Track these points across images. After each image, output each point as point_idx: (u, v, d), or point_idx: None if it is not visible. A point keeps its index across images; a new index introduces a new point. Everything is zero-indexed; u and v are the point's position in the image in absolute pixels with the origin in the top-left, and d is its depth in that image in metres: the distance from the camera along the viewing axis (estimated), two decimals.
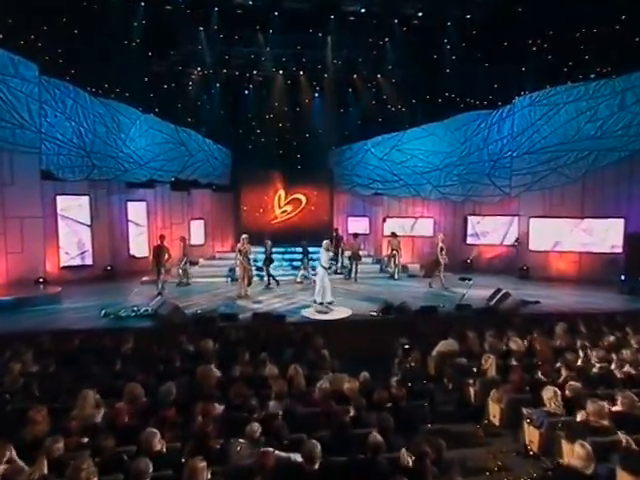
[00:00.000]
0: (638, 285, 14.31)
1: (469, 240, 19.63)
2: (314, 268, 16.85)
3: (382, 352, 9.34)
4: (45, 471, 4.59)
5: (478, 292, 13.72)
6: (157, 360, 8.03)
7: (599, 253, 16.85)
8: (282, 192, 21.16)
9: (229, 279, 16.64)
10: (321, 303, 12.66)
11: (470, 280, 13.90)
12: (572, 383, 6.48)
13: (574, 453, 4.99)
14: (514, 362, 8.03)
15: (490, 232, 19.46)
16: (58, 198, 16.33)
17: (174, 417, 5.96)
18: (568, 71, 16.73)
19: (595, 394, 6.45)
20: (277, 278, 16.37)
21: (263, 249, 16.34)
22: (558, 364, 7.80)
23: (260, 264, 16.34)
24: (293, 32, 18.53)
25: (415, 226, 20.88)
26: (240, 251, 14.53)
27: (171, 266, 16.02)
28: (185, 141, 20.16)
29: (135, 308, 12.02)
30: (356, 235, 18.13)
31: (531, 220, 17.86)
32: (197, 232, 20.59)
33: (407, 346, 8.87)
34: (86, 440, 5.31)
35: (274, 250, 17.28)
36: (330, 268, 13.93)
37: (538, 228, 17.69)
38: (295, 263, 17.90)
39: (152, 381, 7.03)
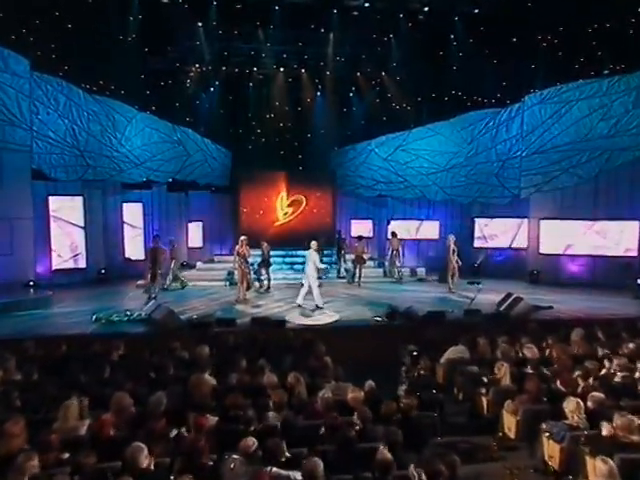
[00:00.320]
0: None
1: (476, 243, 19.32)
2: (320, 271, 16.81)
3: (387, 359, 9.09)
4: None
5: (487, 297, 13.45)
6: (149, 367, 7.68)
7: (613, 256, 16.49)
8: (284, 194, 20.99)
9: (227, 283, 16.38)
10: (320, 307, 12.83)
11: (479, 284, 13.55)
12: (595, 394, 6.10)
13: (596, 470, 4.64)
14: (529, 370, 7.65)
15: (498, 235, 19.19)
16: (50, 199, 16.09)
17: (164, 429, 5.59)
18: (580, 67, 16.46)
19: (619, 405, 6.07)
20: (271, 283, 16.06)
21: (260, 252, 16.02)
22: (576, 373, 7.41)
23: (255, 267, 16.01)
24: (294, 28, 18.42)
25: (420, 229, 20.71)
26: (239, 254, 14.28)
27: (166, 269, 15.69)
28: (183, 141, 19.89)
29: (128, 312, 11.78)
30: (360, 238, 17.79)
31: (542, 222, 17.52)
32: (195, 235, 20.47)
33: (415, 353, 8.47)
34: (67, 456, 4.94)
35: (275, 253, 17.17)
36: (320, 271, 14.11)
37: (549, 231, 17.35)
38: (297, 267, 17.62)
39: (142, 390, 6.67)
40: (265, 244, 16.07)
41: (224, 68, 20.06)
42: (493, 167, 18.76)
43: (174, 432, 5.47)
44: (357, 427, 5.78)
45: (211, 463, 4.94)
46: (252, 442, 4.94)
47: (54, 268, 16.23)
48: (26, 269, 14.81)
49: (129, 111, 17.91)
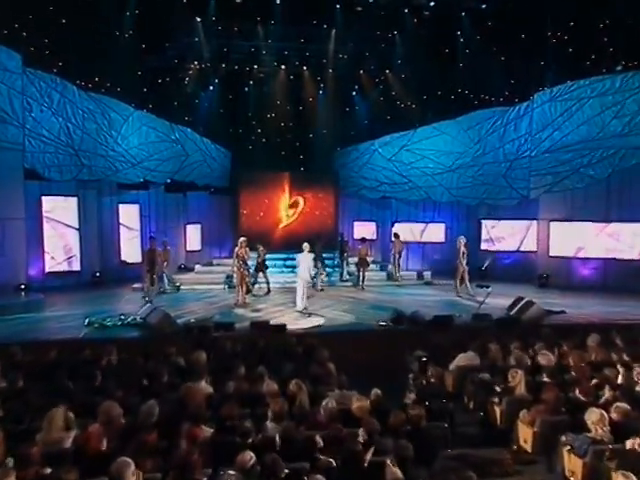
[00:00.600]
0: None
1: (483, 246, 19.03)
2: (341, 274, 17.30)
3: (393, 366, 8.80)
4: None
5: (495, 301, 13.23)
6: (142, 374, 7.39)
7: (626, 260, 16.18)
8: (286, 196, 20.92)
9: (226, 286, 16.16)
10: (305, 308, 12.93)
11: (488, 288, 13.27)
12: (619, 404, 5.76)
13: None
14: (545, 379, 7.31)
15: (506, 237, 18.92)
16: (44, 199, 15.87)
17: (155, 442, 5.27)
18: (591, 64, 16.19)
19: None
20: (270, 285, 15.82)
21: (255, 254, 15.73)
22: (594, 381, 7.09)
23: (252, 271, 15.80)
24: (296, 24, 18.31)
25: (425, 231, 20.48)
26: (238, 256, 14.07)
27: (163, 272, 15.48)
28: (181, 140, 19.71)
29: (122, 316, 11.55)
30: (363, 240, 17.60)
31: (551, 224, 17.23)
32: (193, 237, 20.26)
33: (424, 359, 8.15)
34: (48, 471, 4.61)
35: (276, 256, 17.10)
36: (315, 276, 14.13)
37: (559, 233, 17.06)
38: (297, 270, 17.18)
39: (134, 399, 6.38)
40: (261, 247, 15.80)
41: (223, 65, 19.89)
42: (501, 167, 18.50)
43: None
44: (363, 439, 5.48)
45: (205, 479, 4.62)
46: (249, 457, 4.63)
47: (47, 271, 16.00)
48: (17, 271, 14.56)
49: (125, 109, 17.68)
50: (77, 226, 16.62)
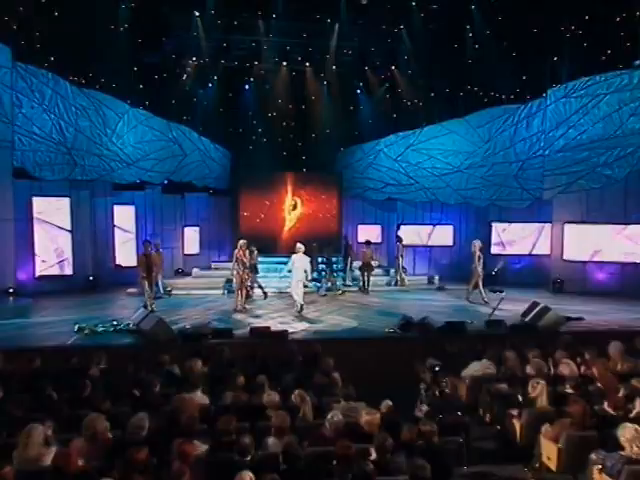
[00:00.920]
0: None
1: (494, 250, 18.68)
2: (344, 279, 17.13)
3: (402, 375, 8.50)
4: None
5: (507, 306, 12.95)
6: (132, 384, 7.10)
7: None
8: (289, 197, 20.85)
9: (226, 291, 15.89)
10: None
11: (502, 292, 12.95)
12: None
13: None
14: (569, 390, 6.93)
15: (517, 241, 18.68)
16: (34, 199, 15.66)
17: (145, 459, 4.89)
18: (607, 59, 15.83)
19: None
20: (265, 289, 15.55)
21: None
22: (622, 392, 6.70)
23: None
24: (298, 18, 18.12)
25: (433, 234, 20.25)
26: (237, 259, 13.83)
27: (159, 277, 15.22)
28: (179, 139, 19.49)
29: (115, 322, 11.32)
30: (368, 243, 17.32)
31: (566, 226, 16.91)
32: (191, 240, 20.05)
33: (437, 368, 7.79)
34: None
35: (277, 260, 16.93)
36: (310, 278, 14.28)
37: (574, 236, 16.74)
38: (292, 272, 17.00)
39: (123, 411, 6.14)
40: (255, 250, 15.54)
41: (223, 62, 19.57)
42: (512, 168, 18.24)
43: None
44: (374, 457, 5.11)
45: None
46: (248, 477, 4.26)
47: (38, 274, 15.79)
48: (6, 275, 14.38)
49: (121, 106, 17.47)
50: (69, 228, 16.41)
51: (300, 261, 13.39)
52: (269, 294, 15.33)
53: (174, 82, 19.16)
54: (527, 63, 16.93)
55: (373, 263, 16.84)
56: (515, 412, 6.90)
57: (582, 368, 7.94)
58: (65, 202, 16.31)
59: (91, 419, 5.30)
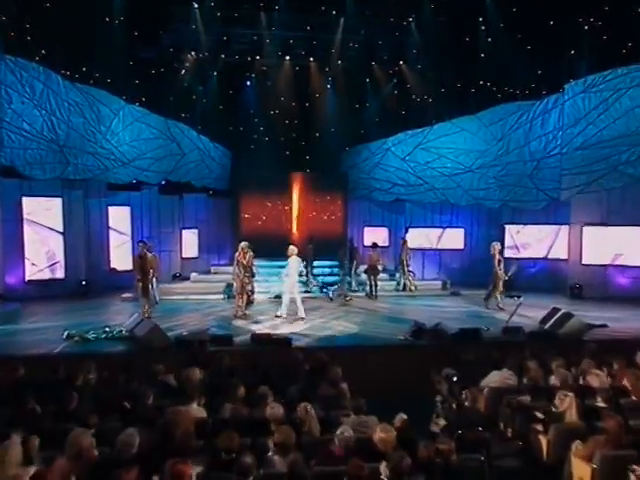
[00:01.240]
0: None
1: (507, 253, 18.28)
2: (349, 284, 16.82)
3: (415, 386, 8.38)
4: None
5: (524, 312, 12.72)
6: (123, 396, 6.80)
7: None
8: (292, 199, 20.87)
9: (226, 296, 15.66)
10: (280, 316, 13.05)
11: (519, 298, 12.65)
12: None
13: None
14: (600, 403, 6.54)
15: (532, 244, 18.48)
16: (24, 200, 15.56)
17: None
18: (628, 51, 15.53)
19: None
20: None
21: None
22: None
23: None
24: (302, 10, 18.07)
25: (442, 237, 20.18)
26: (238, 262, 13.66)
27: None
28: (177, 138, 19.30)
29: (107, 329, 11.10)
30: (375, 245, 17.14)
31: (585, 229, 16.65)
32: (190, 243, 20.02)
33: (455, 378, 7.44)
34: None
35: (280, 264, 16.17)
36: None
37: (593, 238, 16.47)
38: (303, 279, 16.88)
39: (112, 426, 5.80)
40: (251, 253, 15.19)
41: (223, 56, 19.48)
42: (526, 167, 17.93)
43: None
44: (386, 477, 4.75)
45: None
46: None
47: (27, 279, 15.67)
48: None
49: (116, 103, 17.21)
50: (61, 230, 16.31)
51: (293, 264, 13.41)
52: (269, 299, 15.32)
53: (172, 77, 19.09)
54: (543, 57, 16.70)
55: (379, 267, 16.57)
56: (540, 427, 6.53)
57: (611, 379, 7.56)
58: (57, 203, 16.18)
59: (76, 435, 4.95)
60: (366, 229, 21.28)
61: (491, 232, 19.05)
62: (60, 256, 16.26)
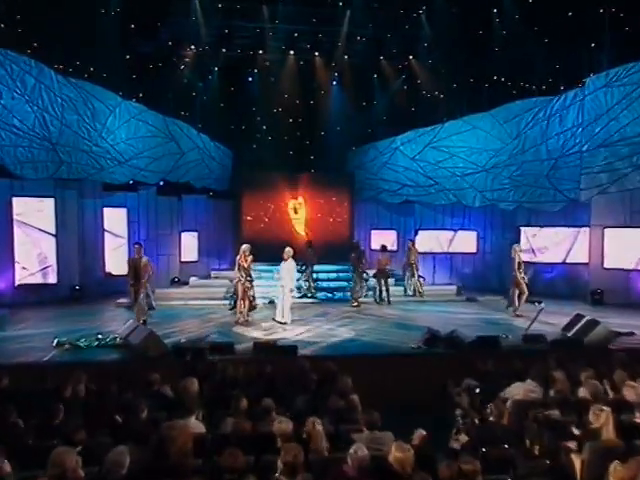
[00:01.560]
0: None
1: (523, 257, 17.80)
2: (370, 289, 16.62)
3: (430, 398, 8.24)
4: None
5: (544, 319, 12.49)
6: (115, 408, 6.55)
7: None
8: (296, 200, 20.75)
9: (229, 302, 15.12)
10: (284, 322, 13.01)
11: (541, 303, 12.34)
12: None
13: None
14: (639, 419, 6.17)
15: (550, 247, 18.18)
16: (14, 200, 15.47)
17: None
18: None
19: None
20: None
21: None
22: None
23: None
24: (307, 2, 17.91)
25: (454, 241, 20.07)
26: (240, 266, 13.43)
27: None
28: (176, 136, 19.31)
29: (100, 336, 10.88)
30: (384, 248, 16.97)
31: (606, 231, 16.33)
32: (189, 247, 20.04)
33: (478, 390, 7.11)
34: None
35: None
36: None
37: (616, 241, 16.14)
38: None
39: (102, 442, 5.47)
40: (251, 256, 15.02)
41: (224, 51, 19.46)
42: (543, 166, 17.59)
43: None
44: None
45: None
46: None
47: (17, 283, 15.58)
48: None
49: (112, 99, 17.12)
50: (54, 232, 16.18)
51: (288, 267, 13.43)
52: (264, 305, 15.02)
53: (171, 73, 19.08)
54: (561, 50, 16.41)
55: (388, 270, 16.43)
56: (573, 445, 6.12)
57: None
58: (49, 203, 16.07)
59: (59, 453, 4.61)
60: (373, 232, 21.19)
61: (506, 235, 18.90)
62: (52, 260, 16.13)
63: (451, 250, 19.91)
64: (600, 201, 16.24)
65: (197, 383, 7.18)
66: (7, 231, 15.18)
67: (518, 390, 7.60)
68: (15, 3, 14.44)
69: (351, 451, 5.10)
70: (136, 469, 4.78)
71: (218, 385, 7.77)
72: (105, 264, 17.50)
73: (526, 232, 18.47)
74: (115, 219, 17.81)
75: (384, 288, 16.16)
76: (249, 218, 20.34)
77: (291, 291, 13.49)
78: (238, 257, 13.52)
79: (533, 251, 18.27)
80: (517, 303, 14.34)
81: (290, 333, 12.17)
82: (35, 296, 15.47)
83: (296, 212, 20.66)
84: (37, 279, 15.91)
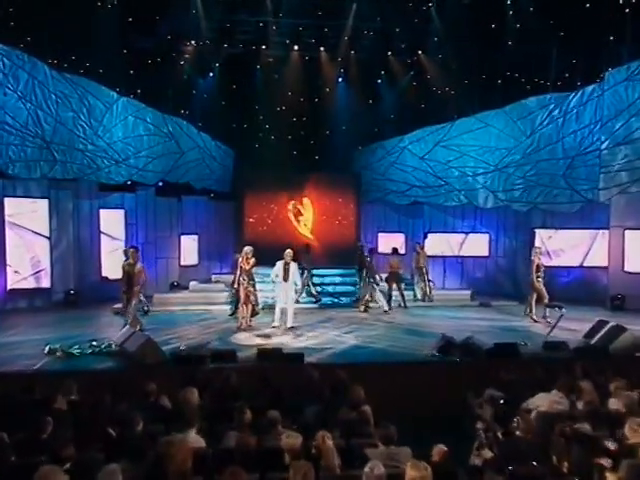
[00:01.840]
0: None
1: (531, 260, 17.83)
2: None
3: (446, 409, 8.05)
4: None
5: (564, 324, 12.15)
6: (108, 421, 6.25)
7: None
8: (300, 202, 20.80)
9: (231, 308, 14.86)
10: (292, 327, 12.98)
11: (562, 309, 12.05)
12: None
13: None
14: None
15: (566, 250, 17.96)
16: (6, 201, 15.30)
17: None
18: None
19: None
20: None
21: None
22: None
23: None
24: None
25: (465, 244, 19.84)
26: (241, 269, 13.28)
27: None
28: (175, 135, 19.24)
29: (94, 342, 10.67)
30: (395, 251, 16.96)
31: (627, 233, 16.04)
32: (189, 250, 19.97)
33: (502, 401, 6.80)
34: None
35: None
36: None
37: (638, 243, 15.85)
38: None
39: (92, 458, 5.09)
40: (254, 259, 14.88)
41: (226, 46, 19.41)
42: (559, 165, 17.31)
43: None
44: None
45: None
46: None
47: (9, 287, 15.39)
48: None
49: (108, 95, 17.03)
50: (48, 234, 16.09)
51: (290, 270, 13.33)
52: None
53: (170, 69, 19.07)
54: (578, 43, 16.18)
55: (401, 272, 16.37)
56: (607, 462, 5.78)
57: None
58: (43, 204, 15.97)
59: (45, 472, 4.37)
60: (380, 235, 21.09)
61: (519, 237, 18.74)
62: (46, 263, 16.04)
63: (462, 253, 19.69)
64: (620, 201, 15.95)
65: (197, 393, 6.98)
66: None
67: (542, 401, 7.29)
68: None
69: (367, 469, 4.84)
70: None
71: (220, 396, 7.54)
72: (101, 268, 17.33)
73: (541, 234, 18.21)
74: (112, 221, 17.68)
75: (397, 292, 16.00)
76: (251, 220, 20.35)
77: (296, 292, 13.49)
78: (240, 260, 13.36)
79: (548, 254, 17.93)
80: (533, 308, 14.11)
81: (295, 340, 12.00)
82: (27, 301, 15.44)
83: (300, 214, 20.59)
84: (30, 283, 15.78)
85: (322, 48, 19.78)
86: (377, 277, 15.83)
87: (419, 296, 16.99)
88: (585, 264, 17.63)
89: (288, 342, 11.74)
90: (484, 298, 17.07)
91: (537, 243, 17.77)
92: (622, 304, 15.54)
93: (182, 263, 19.43)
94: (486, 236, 19.48)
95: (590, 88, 16.43)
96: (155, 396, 7.31)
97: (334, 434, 5.74)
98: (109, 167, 17.07)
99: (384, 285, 16.04)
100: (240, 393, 7.53)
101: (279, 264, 13.33)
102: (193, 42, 18.93)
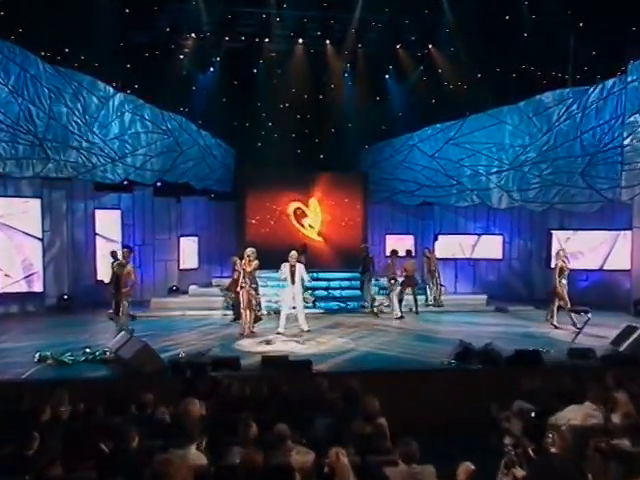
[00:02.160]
0: None
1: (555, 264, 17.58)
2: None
3: (467, 421, 7.83)
4: None
5: (587, 330, 12.05)
6: (101, 435, 6.00)
7: None
8: (304, 202, 20.59)
9: (233, 313, 14.83)
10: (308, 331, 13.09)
11: (587, 314, 11.79)
12: None
13: None
14: None
15: (585, 252, 17.68)
16: None
17: None
18: None
19: None
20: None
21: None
22: None
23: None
24: None
25: (477, 246, 19.64)
26: (243, 271, 13.12)
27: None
28: (174, 132, 19.10)
29: (87, 350, 10.52)
30: (409, 253, 16.94)
31: None
32: (189, 252, 19.82)
33: (533, 414, 6.51)
34: None
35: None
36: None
37: None
38: (317, 292, 16.79)
39: (84, 477, 5.18)
40: (237, 259, 14.92)
41: (227, 39, 19.25)
42: (577, 163, 17.07)
43: None
44: None
45: None
46: None
47: (0, 291, 15.37)
48: None
49: (104, 90, 16.92)
50: (40, 236, 16.02)
51: (297, 272, 13.39)
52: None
53: (168, 63, 18.99)
54: (598, 35, 16.07)
55: (399, 279, 15.90)
56: None
57: None
58: (35, 204, 15.90)
59: None
60: (388, 237, 20.93)
61: (535, 239, 18.67)
62: (38, 266, 15.97)
63: (474, 256, 19.54)
64: None
65: (198, 405, 6.67)
66: None
67: (575, 414, 6.93)
68: None
69: None
70: None
71: (222, 407, 7.25)
72: (96, 271, 17.25)
73: (558, 236, 18.06)
74: (108, 222, 17.62)
75: (410, 297, 15.80)
76: (253, 221, 20.13)
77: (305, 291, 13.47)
78: (242, 262, 13.20)
79: (567, 257, 17.62)
80: (555, 314, 13.86)
81: (302, 346, 11.83)
82: (19, 306, 15.41)
83: (304, 215, 20.44)
84: (21, 287, 15.72)
85: (328, 41, 19.64)
86: (397, 280, 15.63)
87: (430, 300, 16.88)
88: (605, 267, 17.43)
89: (294, 349, 11.57)
90: (497, 302, 16.91)
91: (556, 245, 17.64)
92: None
93: (181, 266, 19.31)
94: (500, 238, 19.31)
95: (611, 82, 16.21)
96: (152, 408, 7.11)
97: (349, 450, 5.42)
98: (105, 165, 16.97)
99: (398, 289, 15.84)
100: (244, 404, 7.22)
101: (285, 266, 13.25)
102: (193, 35, 18.79)
